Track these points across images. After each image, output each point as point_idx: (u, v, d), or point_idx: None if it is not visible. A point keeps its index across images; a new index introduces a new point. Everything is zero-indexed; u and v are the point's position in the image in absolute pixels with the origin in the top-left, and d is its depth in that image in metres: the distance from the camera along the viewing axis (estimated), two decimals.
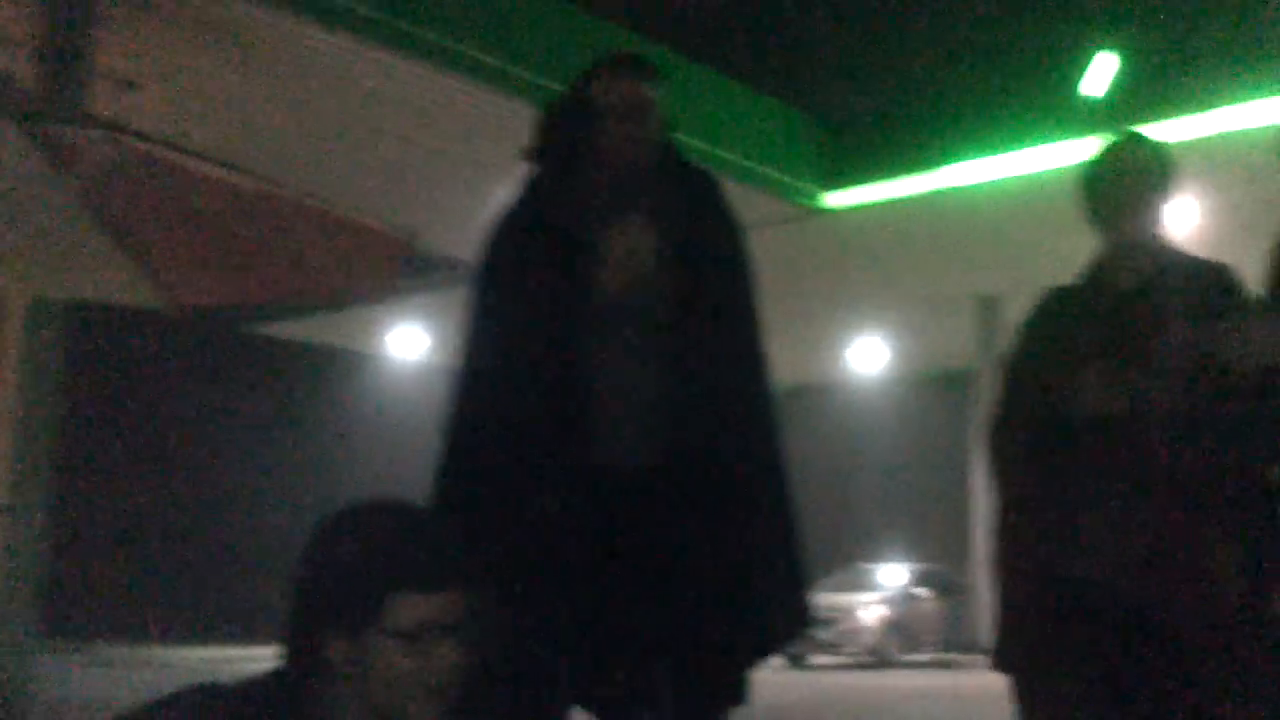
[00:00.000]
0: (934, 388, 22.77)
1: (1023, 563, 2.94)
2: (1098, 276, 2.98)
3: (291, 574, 1.99)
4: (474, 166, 13.06)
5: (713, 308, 2.88)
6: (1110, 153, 2.96)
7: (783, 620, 2.96)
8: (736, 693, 2.93)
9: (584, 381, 2.82)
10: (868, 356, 22.05)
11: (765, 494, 2.92)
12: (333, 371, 22.73)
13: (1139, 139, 2.97)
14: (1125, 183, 2.91)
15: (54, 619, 9.89)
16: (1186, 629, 2.73)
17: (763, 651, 2.98)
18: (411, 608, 1.92)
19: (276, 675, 1.98)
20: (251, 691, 1.97)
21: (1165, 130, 11.41)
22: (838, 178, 15.20)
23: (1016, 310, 3.07)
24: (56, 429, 9.48)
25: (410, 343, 21.51)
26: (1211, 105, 12.63)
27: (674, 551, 2.81)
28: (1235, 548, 2.73)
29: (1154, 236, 2.93)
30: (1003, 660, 2.97)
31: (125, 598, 20.00)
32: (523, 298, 2.85)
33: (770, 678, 2.91)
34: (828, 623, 17.77)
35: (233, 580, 21.04)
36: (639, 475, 2.82)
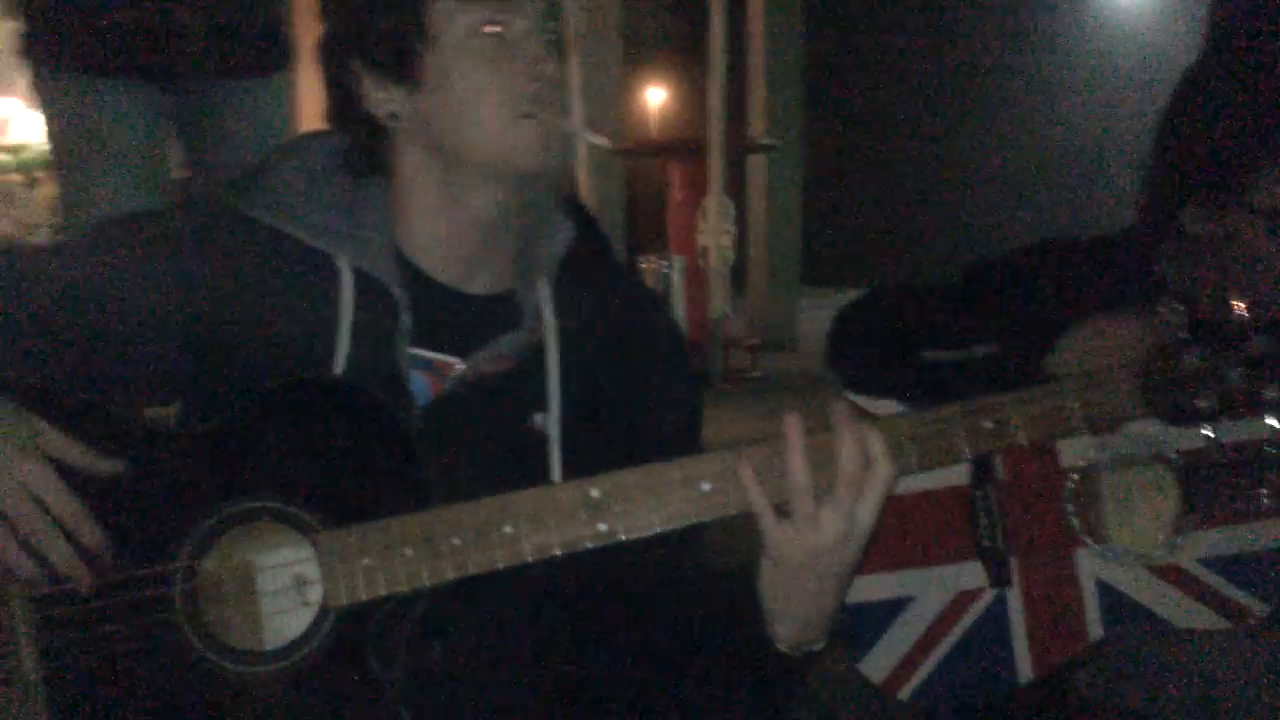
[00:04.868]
0: None
1: None
2: None
3: (1155, 133, 1.93)
4: None
5: None
6: None
7: None
8: None
9: None
10: None
11: None
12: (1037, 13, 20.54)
13: None
14: None
15: (809, 264, 10.03)
16: None
17: None
18: None
19: (1129, 233, 1.98)
20: (1101, 245, 1.97)
21: None
22: None
23: None
24: (804, 67, 9.30)
25: None
26: None
27: None
28: None
29: None
30: None
31: (873, 246, 20.18)
32: None
33: None
34: None
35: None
36: None
